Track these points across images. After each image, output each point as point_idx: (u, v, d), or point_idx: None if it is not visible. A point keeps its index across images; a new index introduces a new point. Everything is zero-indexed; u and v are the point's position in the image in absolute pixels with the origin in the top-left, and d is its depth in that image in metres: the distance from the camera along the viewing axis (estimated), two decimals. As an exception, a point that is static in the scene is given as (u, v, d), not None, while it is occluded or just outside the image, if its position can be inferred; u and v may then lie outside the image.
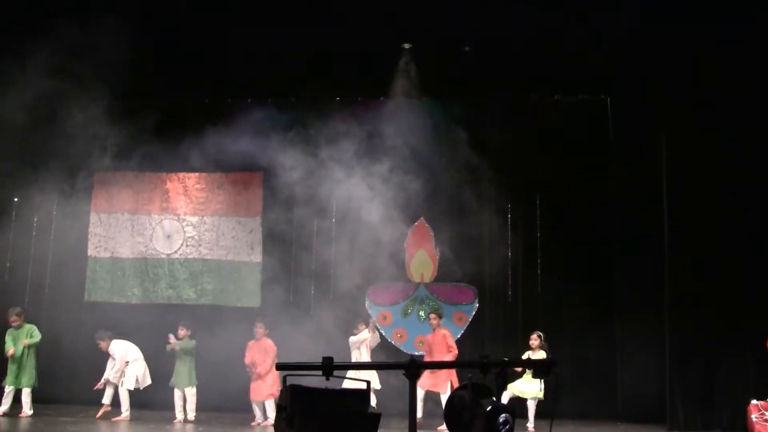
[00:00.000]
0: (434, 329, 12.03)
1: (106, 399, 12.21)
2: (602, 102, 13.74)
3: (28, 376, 12.21)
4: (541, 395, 11.46)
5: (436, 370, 11.50)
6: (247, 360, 11.98)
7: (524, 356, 11.64)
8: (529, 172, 13.69)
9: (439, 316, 12.13)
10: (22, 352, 12.19)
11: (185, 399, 12.19)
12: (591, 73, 13.05)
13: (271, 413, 11.78)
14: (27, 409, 12.16)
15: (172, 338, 12.18)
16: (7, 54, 11.94)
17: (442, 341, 11.85)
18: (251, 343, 12.09)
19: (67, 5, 11.42)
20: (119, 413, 12.08)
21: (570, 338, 12.83)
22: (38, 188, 13.40)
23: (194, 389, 12.23)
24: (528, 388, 11.41)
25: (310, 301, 13.77)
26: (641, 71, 12.41)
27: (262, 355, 11.93)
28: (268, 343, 12.01)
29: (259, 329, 12.10)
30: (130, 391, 12.20)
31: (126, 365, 12.24)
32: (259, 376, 11.85)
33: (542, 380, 10.91)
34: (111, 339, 12.36)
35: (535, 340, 11.77)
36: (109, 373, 12.19)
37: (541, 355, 11.58)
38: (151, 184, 14.33)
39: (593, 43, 12.20)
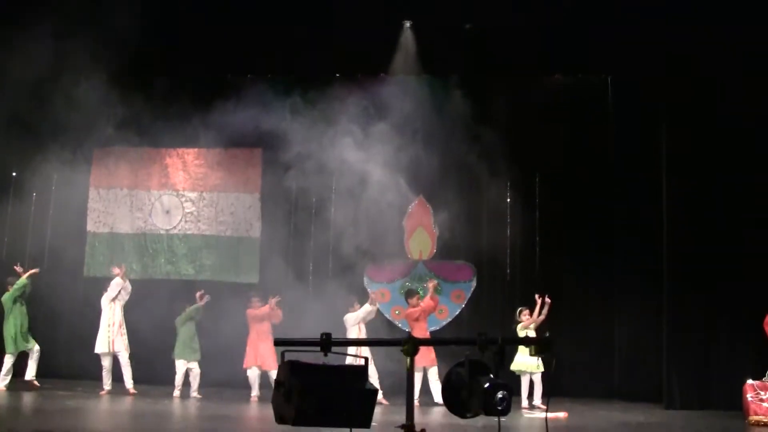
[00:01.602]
0: (413, 306, 12.02)
1: (128, 381, 12.18)
2: (603, 81, 13.69)
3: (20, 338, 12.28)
4: (541, 368, 11.48)
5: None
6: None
7: (526, 331, 11.63)
8: (529, 151, 13.62)
9: (408, 296, 12.18)
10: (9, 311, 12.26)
11: (188, 374, 12.22)
12: (591, 51, 12.98)
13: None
14: (29, 373, 12.22)
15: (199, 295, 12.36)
16: (4, 31, 11.87)
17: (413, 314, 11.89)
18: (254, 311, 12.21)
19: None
20: (119, 392, 12.15)
21: (567, 317, 12.87)
22: (37, 163, 13.38)
23: (197, 365, 12.24)
24: (530, 361, 11.41)
25: (308, 277, 13.81)
26: (642, 50, 12.35)
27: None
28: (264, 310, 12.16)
29: (256, 303, 12.22)
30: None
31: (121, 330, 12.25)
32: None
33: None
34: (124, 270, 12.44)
35: (525, 314, 11.79)
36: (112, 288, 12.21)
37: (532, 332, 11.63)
38: (150, 159, 14.33)
39: (594, 21, 12.16)
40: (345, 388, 3.36)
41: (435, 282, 12.43)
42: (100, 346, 12.15)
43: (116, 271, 12.44)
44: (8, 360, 12.27)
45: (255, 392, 12.07)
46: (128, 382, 12.15)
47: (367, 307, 11.94)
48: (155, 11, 12.27)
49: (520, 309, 11.95)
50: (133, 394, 11.99)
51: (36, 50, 11.42)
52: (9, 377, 12.24)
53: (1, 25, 12.00)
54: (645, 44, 12.16)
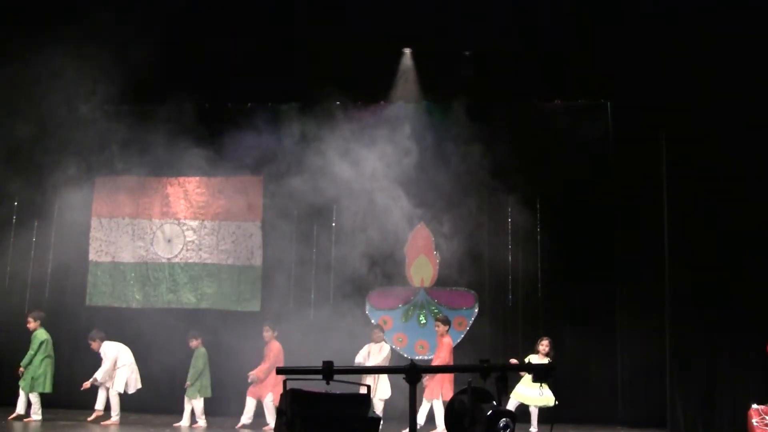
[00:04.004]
0: (439, 334, 11.97)
1: (99, 404, 12.26)
2: (602, 106, 13.73)
3: (37, 380, 12.30)
4: (550, 402, 11.38)
5: (430, 378, 11.52)
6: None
7: (527, 358, 11.64)
8: (530, 176, 13.63)
9: (442, 323, 12.00)
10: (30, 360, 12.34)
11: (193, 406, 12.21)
12: (591, 77, 13.04)
13: (271, 419, 11.77)
14: (34, 413, 12.24)
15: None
16: (5, 60, 11.95)
17: (439, 350, 11.83)
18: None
19: (67, 12, 11.43)
20: (109, 417, 12.15)
21: (570, 342, 12.81)
22: (39, 192, 13.40)
23: (198, 400, 12.17)
24: (532, 393, 11.35)
25: (310, 305, 13.76)
26: (641, 75, 12.41)
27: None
28: (275, 345, 12.02)
29: (267, 332, 12.10)
30: (120, 395, 12.20)
31: (116, 368, 12.22)
32: (260, 379, 11.88)
33: (546, 386, 10.94)
34: (103, 340, 12.40)
35: (546, 346, 11.69)
36: (99, 373, 12.18)
37: (544, 360, 11.56)
38: (152, 188, 14.33)
39: (594, 47, 12.24)
40: (348, 416, 3.35)
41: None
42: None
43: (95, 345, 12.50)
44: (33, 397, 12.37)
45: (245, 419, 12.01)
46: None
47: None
48: (155, 41, 12.33)
49: (540, 339, 11.86)
50: (114, 424, 12.01)
51: (37, 79, 11.50)
52: (22, 406, 12.34)
53: (3, 56, 12.10)
54: (644, 70, 12.23)
